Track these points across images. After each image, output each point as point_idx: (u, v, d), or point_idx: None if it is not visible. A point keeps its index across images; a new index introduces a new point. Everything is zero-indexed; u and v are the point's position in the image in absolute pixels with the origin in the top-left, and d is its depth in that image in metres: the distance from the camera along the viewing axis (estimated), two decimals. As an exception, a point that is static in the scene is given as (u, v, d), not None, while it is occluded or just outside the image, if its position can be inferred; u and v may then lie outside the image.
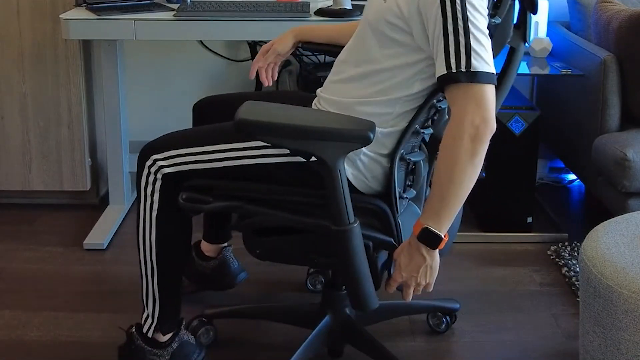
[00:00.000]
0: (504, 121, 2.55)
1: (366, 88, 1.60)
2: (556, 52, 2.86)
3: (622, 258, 1.54)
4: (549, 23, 2.91)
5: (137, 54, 3.03)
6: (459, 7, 1.42)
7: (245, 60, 3.01)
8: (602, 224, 1.72)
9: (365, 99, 1.59)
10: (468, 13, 1.42)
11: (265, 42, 2.04)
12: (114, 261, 2.52)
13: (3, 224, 2.79)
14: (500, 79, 1.68)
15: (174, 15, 2.46)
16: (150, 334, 1.82)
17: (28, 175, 2.86)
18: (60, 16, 2.47)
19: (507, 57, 1.70)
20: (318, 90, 1.75)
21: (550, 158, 3.18)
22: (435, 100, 1.58)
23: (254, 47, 2.92)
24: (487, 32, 1.46)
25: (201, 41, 2.99)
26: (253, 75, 2.02)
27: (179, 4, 2.58)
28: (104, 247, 2.59)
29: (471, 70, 1.41)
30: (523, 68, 2.77)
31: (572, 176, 3.23)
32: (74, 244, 2.62)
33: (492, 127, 1.44)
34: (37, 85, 2.77)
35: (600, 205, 2.60)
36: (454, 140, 1.43)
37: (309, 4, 2.56)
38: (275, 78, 2.04)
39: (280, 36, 2.02)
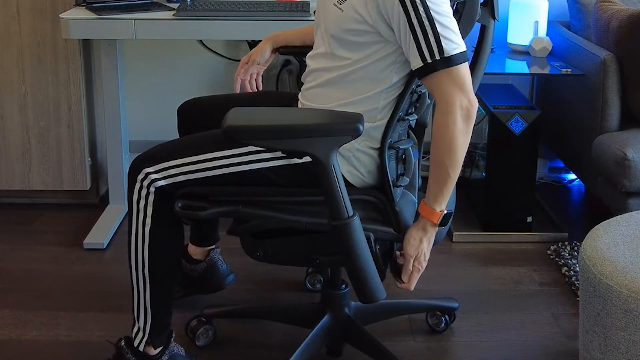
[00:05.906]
0: (504, 121, 2.55)
1: (345, 89, 1.60)
2: (556, 52, 2.86)
3: (622, 258, 1.54)
4: (549, 23, 2.91)
5: (137, 53, 3.03)
6: (418, 0, 1.46)
7: (245, 60, 3.01)
8: (602, 223, 1.72)
9: (348, 99, 1.60)
10: (427, 2, 1.46)
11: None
12: (114, 261, 2.52)
13: (3, 223, 2.79)
14: (474, 58, 1.70)
15: (173, 15, 2.47)
16: (141, 348, 1.79)
17: (28, 174, 2.86)
18: (60, 16, 2.47)
19: (479, 36, 1.72)
20: (300, 95, 1.75)
21: (550, 158, 3.18)
22: (414, 86, 1.61)
23: (253, 47, 2.90)
24: (450, 12, 1.50)
25: (201, 41, 2.99)
26: (237, 90, 2.01)
27: (178, 4, 2.58)
28: (104, 247, 2.59)
29: (445, 55, 1.47)
30: (523, 68, 2.78)
31: (572, 176, 3.22)
32: (74, 244, 2.62)
33: (476, 102, 1.52)
34: (37, 85, 2.77)
35: (600, 205, 2.60)
36: (448, 126, 1.49)
37: (309, 4, 2.56)
38: (261, 88, 2.05)
39: (258, 46, 2.03)
